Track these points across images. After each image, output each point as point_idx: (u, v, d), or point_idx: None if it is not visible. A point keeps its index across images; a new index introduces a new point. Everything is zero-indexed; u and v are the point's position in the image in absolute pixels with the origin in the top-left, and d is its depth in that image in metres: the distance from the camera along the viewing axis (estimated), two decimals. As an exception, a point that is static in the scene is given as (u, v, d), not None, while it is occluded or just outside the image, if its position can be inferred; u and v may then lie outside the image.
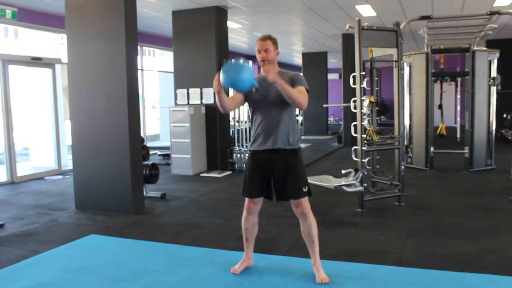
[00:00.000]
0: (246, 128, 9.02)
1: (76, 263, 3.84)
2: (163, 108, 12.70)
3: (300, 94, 3.18)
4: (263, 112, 3.33)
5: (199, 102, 8.72)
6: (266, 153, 3.32)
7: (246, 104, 3.49)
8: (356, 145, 5.57)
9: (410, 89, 8.65)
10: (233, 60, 3.11)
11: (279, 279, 3.39)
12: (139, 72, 5.84)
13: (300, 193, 3.29)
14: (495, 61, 8.29)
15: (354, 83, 5.55)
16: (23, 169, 8.55)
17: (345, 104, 11.25)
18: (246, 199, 3.45)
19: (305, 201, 3.31)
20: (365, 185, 5.56)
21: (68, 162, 9.04)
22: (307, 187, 3.34)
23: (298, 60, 18.43)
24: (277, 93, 3.20)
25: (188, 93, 8.80)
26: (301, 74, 3.34)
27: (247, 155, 8.79)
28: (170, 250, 4.15)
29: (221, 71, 3.10)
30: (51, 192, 7.01)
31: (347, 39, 12.39)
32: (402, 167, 5.94)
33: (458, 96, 13.05)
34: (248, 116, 3.50)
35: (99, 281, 3.45)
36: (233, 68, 3.07)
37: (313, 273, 3.37)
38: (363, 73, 5.54)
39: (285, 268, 3.61)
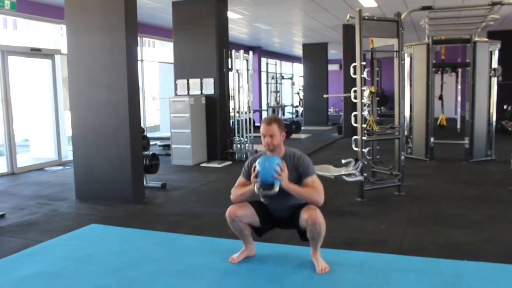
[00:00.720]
0: (246, 119, 9.03)
1: (77, 252, 3.85)
2: (163, 99, 12.70)
3: (313, 191, 3.18)
4: (269, 196, 3.33)
5: (199, 92, 8.71)
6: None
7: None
8: (356, 135, 5.58)
9: (410, 80, 8.63)
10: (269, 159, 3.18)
11: (279, 268, 3.40)
12: (139, 63, 5.83)
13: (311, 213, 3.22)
14: (496, 52, 8.26)
15: (355, 73, 5.54)
16: (23, 160, 8.57)
17: (345, 95, 11.27)
18: (228, 208, 3.36)
19: (318, 211, 3.20)
20: (365, 174, 5.57)
21: (68, 153, 9.05)
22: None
23: (298, 51, 18.39)
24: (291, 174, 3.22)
25: (188, 83, 8.79)
26: (306, 157, 3.34)
27: (247, 145, 8.83)
28: (170, 239, 4.17)
29: (259, 166, 3.17)
30: (52, 182, 7.02)
31: (348, 29, 12.35)
32: (402, 157, 5.95)
33: (459, 87, 13.04)
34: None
35: (100, 269, 3.46)
36: (270, 171, 3.13)
37: (313, 262, 3.38)
38: (364, 63, 5.53)
39: (284, 257, 3.62)
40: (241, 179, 3.42)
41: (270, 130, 3.23)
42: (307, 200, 3.22)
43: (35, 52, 8.36)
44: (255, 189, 3.21)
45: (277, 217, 3.45)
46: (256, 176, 3.16)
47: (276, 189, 3.14)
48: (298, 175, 3.27)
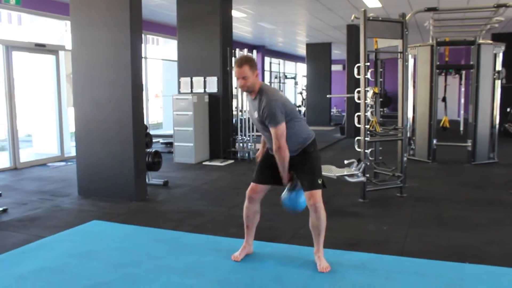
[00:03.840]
0: (249, 118, 9.02)
1: (79, 248, 3.86)
2: (166, 97, 12.70)
3: (276, 147, 3.22)
4: (258, 128, 3.41)
5: (202, 90, 8.71)
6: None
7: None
8: (359, 135, 5.57)
9: (414, 81, 8.62)
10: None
11: (280, 267, 3.41)
12: (142, 60, 5.83)
13: (312, 185, 3.30)
14: (501, 55, 8.24)
15: (359, 73, 5.53)
16: (26, 155, 8.58)
17: (348, 95, 11.26)
18: (249, 186, 3.46)
19: (317, 194, 3.30)
20: (368, 175, 5.56)
21: (70, 149, 9.08)
22: (321, 180, 3.35)
23: (302, 51, 18.38)
24: (261, 120, 3.25)
25: (191, 81, 8.79)
26: (274, 102, 3.21)
27: (249, 144, 8.83)
28: (172, 237, 4.18)
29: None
30: (54, 178, 7.03)
31: (352, 30, 12.33)
32: (405, 159, 5.95)
33: (462, 89, 12.99)
34: None
35: (102, 266, 3.47)
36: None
37: (314, 262, 3.39)
38: (368, 64, 5.53)
39: (286, 256, 3.63)
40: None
41: (242, 72, 3.21)
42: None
43: (39, 48, 8.37)
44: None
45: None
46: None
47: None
48: (264, 119, 3.25)
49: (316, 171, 3.36)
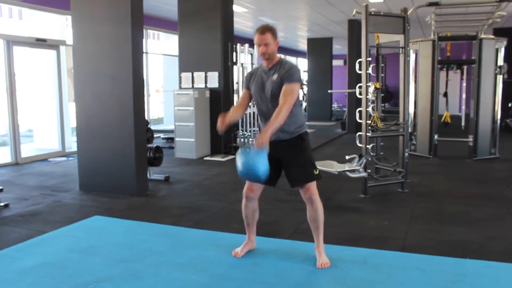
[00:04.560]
0: (250, 113, 9.02)
1: (81, 243, 3.87)
2: (167, 92, 12.69)
3: (280, 109, 3.09)
4: (261, 105, 3.35)
5: (203, 85, 8.70)
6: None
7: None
8: (360, 131, 5.57)
9: (415, 77, 8.60)
10: (248, 150, 3.13)
11: (282, 262, 3.41)
12: (143, 55, 5.82)
13: (307, 177, 3.28)
14: (502, 50, 8.22)
15: (360, 68, 5.52)
16: (27, 151, 8.59)
17: (349, 90, 11.24)
18: (245, 185, 3.44)
19: (313, 186, 3.29)
20: (369, 171, 5.56)
21: (72, 144, 9.08)
22: (317, 171, 3.33)
23: (303, 46, 18.34)
24: (273, 89, 3.21)
25: (192, 76, 8.78)
26: (297, 67, 3.33)
27: (251, 139, 8.83)
28: (174, 232, 4.18)
29: (238, 158, 3.12)
30: (55, 173, 7.04)
31: (353, 25, 12.31)
32: (406, 154, 5.94)
33: (464, 84, 12.98)
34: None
35: (103, 261, 3.48)
36: (249, 163, 3.06)
37: (316, 257, 3.38)
38: (369, 59, 5.51)
39: (287, 252, 3.63)
40: (244, 91, 3.51)
41: (264, 38, 3.22)
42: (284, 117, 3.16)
43: (40, 43, 8.35)
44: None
45: (278, 148, 3.29)
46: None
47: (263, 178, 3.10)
48: (283, 77, 3.23)
49: (311, 161, 3.33)
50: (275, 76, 3.24)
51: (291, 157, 3.31)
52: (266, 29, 3.24)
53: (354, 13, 5.93)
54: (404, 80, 5.99)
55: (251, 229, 3.59)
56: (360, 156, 5.52)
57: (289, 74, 3.19)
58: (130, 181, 5.57)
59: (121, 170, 5.61)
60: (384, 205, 5.22)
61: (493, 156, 8.28)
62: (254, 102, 3.46)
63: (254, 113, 9.12)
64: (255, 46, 3.31)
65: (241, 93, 8.88)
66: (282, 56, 3.43)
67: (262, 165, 3.02)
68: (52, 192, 5.83)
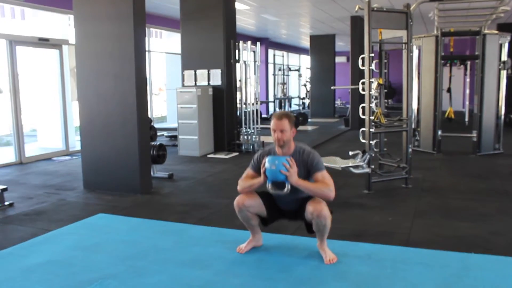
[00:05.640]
0: (253, 110, 9.02)
1: (85, 241, 3.89)
2: (170, 90, 12.70)
3: (324, 186, 3.15)
4: (287, 196, 3.28)
5: (206, 83, 8.70)
6: None
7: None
8: (363, 127, 5.56)
9: (418, 72, 8.58)
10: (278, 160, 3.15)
11: (286, 258, 3.42)
12: (146, 53, 5.83)
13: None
14: (506, 45, 8.19)
15: (363, 64, 5.51)
16: (31, 150, 8.62)
17: (353, 87, 11.23)
18: (237, 197, 3.39)
19: (324, 205, 3.23)
20: (373, 167, 5.56)
21: (75, 143, 9.10)
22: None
23: (305, 43, 18.32)
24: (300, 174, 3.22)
25: (195, 74, 8.78)
26: (316, 152, 3.34)
27: (254, 137, 8.83)
28: (178, 229, 4.19)
29: (268, 164, 3.16)
30: (59, 172, 7.06)
31: (356, 21, 12.29)
32: (410, 150, 5.93)
33: (467, 80, 12.95)
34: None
35: (108, 258, 3.49)
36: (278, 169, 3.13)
37: (320, 253, 3.39)
38: (372, 55, 5.50)
39: (292, 247, 3.64)
40: (249, 171, 3.41)
41: (281, 125, 3.20)
42: (318, 196, 3.20)
43: (43, 42, 8.37)
44: (269, 190, 3.26)
45: (284, 209, 3.47)
46: (265, 174, 3.17)
47: (288, 187, 3.17)
48: (307, 171, 3.26)
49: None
50: (302, 163, 3.24)
51: (298, 213, 3.37)
52: (284, 115, 3.24)
53: (356, 9, 5.91)
54: (407, 76, 5.97)
55: (253, 230, 3.55)
56: (364, 152, 5.51)
57: (317, 163, 3.24)
58: (134, 179, 5.58)
59: (125, 168, 5.62)
60: (388, 200, 5.22)
61: (497, 151, 8.26)
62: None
63: (257, 110, 9.12)
64: (271, 130, 3.26)
65: (243, 90, 8.92)
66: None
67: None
68: (56, 190, 5.85)
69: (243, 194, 3.38)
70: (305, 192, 3.21)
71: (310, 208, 3.20)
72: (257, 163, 3.35)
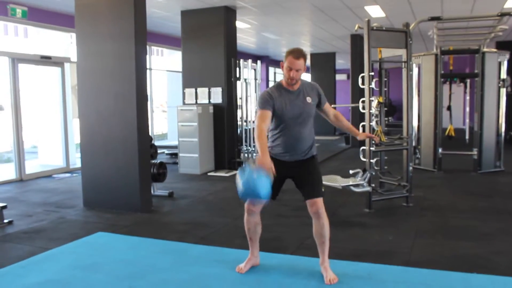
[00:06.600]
0: (253, 128, 9.02)
1: (84, 260, 3.86)
2: (171, 108, 12.73)
3: (339, 113, 3.80)
4: (293, 128, 3.30)
5: (207, 101, 8.73)
6: (284, 161, 3.34)
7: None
8: (364, 145, 5.56)
9: (418, 90, 8.61)
10: (249, 169, 2.93)
11: (286, 278, 3.38)
12: (147, 71, 5.85)
13: (317, 192, 3.31)
14: (505, 63, 8.24)
15: (363, 83, 5.53)
16: (31, 167, 8.61)
17: (353, 105, 11.24)
18: (247, 200, 3.41)
19: (320, 201, 3.30)
20: (373, 185, 5.54)
21: (76, 161, 9.09)
22: (323, 187, 3.37)
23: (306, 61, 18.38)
24: (310, 112, 3.34)
25: (196, 92, 8.81)
26: (317, 84, 3.59)
27: (254, 154, 8.82)
28: (178, 249, 4.16)
29: (240, 179, 2.94)
30: (59, 190, 7.05)
31: (356, 39, 12.36)
32: (410, 168, 5.92)
33: (467, 98, 12.98)
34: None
35: (107, 278, 3.46)
36: (250, 184, 2.90)
37: (320, 273, 3.36)
38: (372, 73, 5.53)
39: (291, 267, 3.60)
40: (264, 111, 3.21)
41: (298, 64, 3.18)
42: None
43: (45, 60, 8.43)
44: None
45: (290, 162, 3.34)
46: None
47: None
48: (319, 100, 3.48)
49: (319, 179, 3.39)
50: (308, 99, 3.34)
51: (305, 175, 3.35)
52: (301, 55, 3.20)
53: (356, 28, 5.96)
54: (407, 94, 6.00)
55: (254, 244, 3.56)
56: (364, 171, 5.50)
57: (323, 95, 3.53)
58: (134, 197, 5.56)
59: (125, 186, 5.61)
60: (388, 219, 5.19)
61: (498, 169, 8.24)
62: (276, 124, 3.32)
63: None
64: (284, 67, 3.20)
65: (244, 108, 8.94)
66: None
67: (264, 187, 2.91)
68: (56, 208, 5.83)
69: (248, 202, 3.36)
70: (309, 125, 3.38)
71: (310, 202, 3.28)
72: (269, 102, 3.22)
